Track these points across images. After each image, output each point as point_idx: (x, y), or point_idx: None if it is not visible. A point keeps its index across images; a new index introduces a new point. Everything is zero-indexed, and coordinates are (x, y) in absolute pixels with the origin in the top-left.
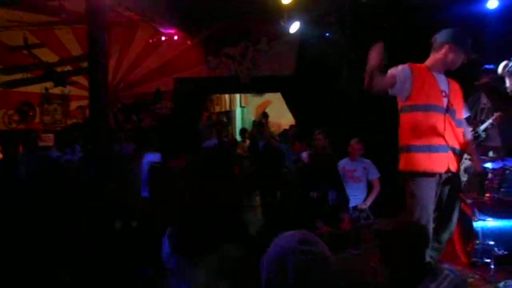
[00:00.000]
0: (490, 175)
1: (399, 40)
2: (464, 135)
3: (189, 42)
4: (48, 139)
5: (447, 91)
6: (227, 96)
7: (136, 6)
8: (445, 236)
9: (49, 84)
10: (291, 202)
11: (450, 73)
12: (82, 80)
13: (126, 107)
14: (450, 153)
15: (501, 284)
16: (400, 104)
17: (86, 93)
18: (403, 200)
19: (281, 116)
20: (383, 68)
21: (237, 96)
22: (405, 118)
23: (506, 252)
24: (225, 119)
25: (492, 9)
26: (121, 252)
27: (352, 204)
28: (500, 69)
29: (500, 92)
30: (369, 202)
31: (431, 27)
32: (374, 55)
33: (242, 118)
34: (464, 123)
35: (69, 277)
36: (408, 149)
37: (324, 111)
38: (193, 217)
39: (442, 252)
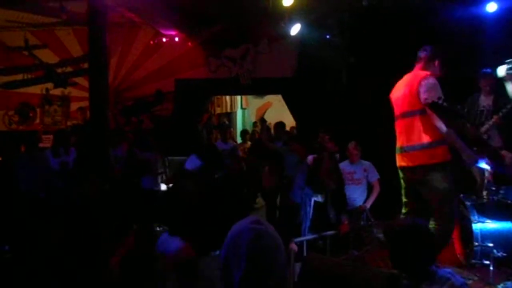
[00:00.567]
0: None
1: (398, 43)
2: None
3: (190, 44)
4: (48, 140)
5: None
6: (228, 97)
7: (137, 8)
8: None
9: (49, 85)
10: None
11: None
12: (83, 81)
13: (126, 109)
14: None
15: (500, 285)
16: (418, 106)
17: (86, 94)
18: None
19: (281, 118)
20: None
21: (238, 97)
22: (426, 118)
23: (505, 254)
24: (226, 121)
25: (491, 13)
26: None
27: (352, 206)
28: (499, 72)
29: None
30: (369, 204)
31: (430, 30)
32: None
33: (243, 119)
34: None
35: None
36: (441, 142)
37: (325, 113)
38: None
39: None
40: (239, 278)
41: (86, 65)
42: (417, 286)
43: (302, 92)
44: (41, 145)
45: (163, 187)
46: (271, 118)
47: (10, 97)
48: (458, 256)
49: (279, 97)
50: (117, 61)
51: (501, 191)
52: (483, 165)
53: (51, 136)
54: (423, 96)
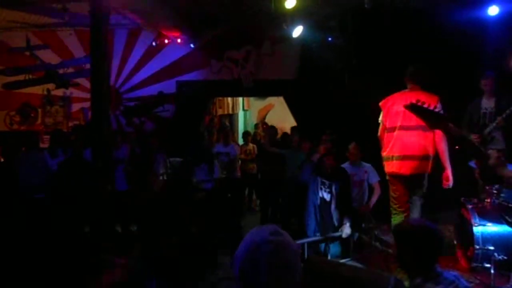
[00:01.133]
0: None
1: (400, 46)
2: None
3: (192, 46)
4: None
5: None
6: (229, 99)
7: (139, 9)
8: None
9: (51, 86)
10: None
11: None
12: (84, 82)
13: (128, 110)
14: None
15: None
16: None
17: (88, 95)
18: None
19: (283, 120)
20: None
21: (240, 99)
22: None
23: (506, 257)
24: (227, 123)
25: (492, 16)
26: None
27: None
28: None
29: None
30: (370, 205)
31: (433, 33)
32: None
33: (245, 121)
34: None
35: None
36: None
37: (326, 115)
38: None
39: None
40: None
41: (88, 66)
42: (422, 286)
43: (304, 94)
44: (42, 145)
45: None
46: (273, 120)
47: (12, 98)
48: (459, 259)
49: (281, 99)
50: (119, 62)
51: (502, 194)
52: None
53: None
54: None
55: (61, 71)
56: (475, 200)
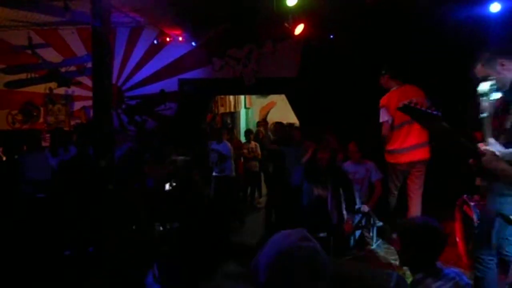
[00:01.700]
0: None
1: (402, 43)
2: None
3: (193, 44)
4: None
5: None
6: (231, 97)
7: (141, 7)
8: None
9: (53, 84)
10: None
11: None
12: (86, 80)
13: (130, 108)
14: None
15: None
16: None
17: (90, 94)
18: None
19: (285, 117)
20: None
21: (242, 97)
22: None
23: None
24: (229, 121)
25: (494, 13)
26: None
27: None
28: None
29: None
30: (372, 203)
31: (434, 30)
32: None
33: (247, 119)
34: None
35: None
36: None
37: (328, 112)
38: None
39: None
40: None
41: (89, 65)
42: (422, 281)
43: (306, 92)
44: (44, 144)
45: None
46: (275, 117)
47: (14, 96)
48: (461, 255)
49: (283, 96)
50: (120, 61)
51: None
52: None
53: None
54: None
55: (63, 69)
56: (477, 198)
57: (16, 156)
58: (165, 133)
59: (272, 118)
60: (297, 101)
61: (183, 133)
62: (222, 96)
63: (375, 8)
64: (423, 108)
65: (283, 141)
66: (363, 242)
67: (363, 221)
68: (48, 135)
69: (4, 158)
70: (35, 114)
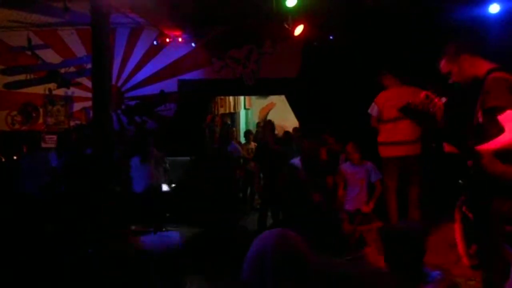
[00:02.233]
0: None
1: (402, 44)
2: None
3: (193, 44)
4: (51, 141)
5: None
6: (231, 98)
7: (141, 8)
8: None
9: (52, 85)
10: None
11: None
12: (86, 81)
13: (129, 109)
14: None
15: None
16: None
17: (89, 95)
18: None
19: (285, 118)
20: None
21: (241, 98)
22: None
23: None
24: (228, 121)
25: (493, 14)
26: None
27: (354, 206)
28: None
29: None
30: (371, 204)
31: (433, 31)
32: None
33: (246, 120)
34: None
35: None
36: None
37: (328, 113)
38: None
39: None
40: None
41: (89, 66)
42: (412, 287)
43: (305, 92)
44: (44, 145)
45: (165, 187)
46: (275, 118)
47: (13, 97)
48: (461, 257)
49: (283, 97)
50: (120, 61)
51: None
52: None
53: (54, 137)
54: None
55: (62, 70)
56: None
57: (15, 157)
58: (164, 133)
59: (272, 119)
60: (297, 102)
61: (182, 134)
62: (222, 97)
63: (375, 8)
64: (418, 109)
65: (285, 142)
66: (362, 242)
67: (363, 221)
68: (47, 136)
69: (3, 159)
70: (34, 115)
